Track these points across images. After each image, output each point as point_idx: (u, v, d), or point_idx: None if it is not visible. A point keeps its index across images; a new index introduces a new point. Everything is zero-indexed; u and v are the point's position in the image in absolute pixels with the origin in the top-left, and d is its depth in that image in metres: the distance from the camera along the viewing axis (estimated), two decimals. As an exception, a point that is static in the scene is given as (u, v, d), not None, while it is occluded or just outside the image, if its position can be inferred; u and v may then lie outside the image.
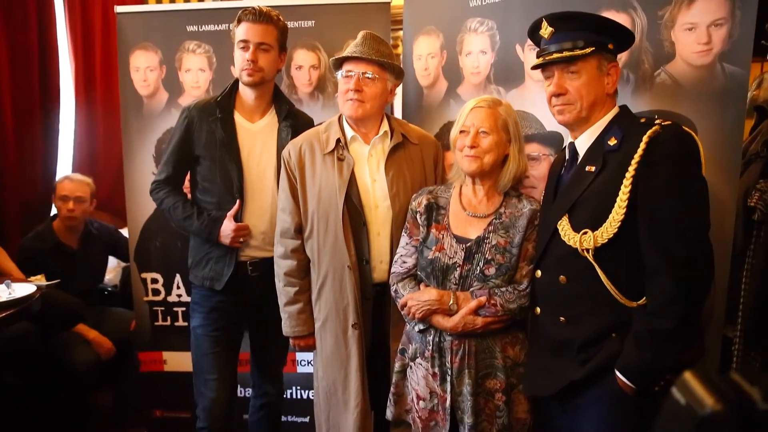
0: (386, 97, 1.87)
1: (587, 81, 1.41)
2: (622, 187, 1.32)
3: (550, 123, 1.94)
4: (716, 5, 1.61)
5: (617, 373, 1.34)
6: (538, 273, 1.53)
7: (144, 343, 2.72)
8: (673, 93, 1.70)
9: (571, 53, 1.40)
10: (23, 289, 1.90)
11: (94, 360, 2.70)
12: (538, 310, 1.54)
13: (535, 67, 1.52)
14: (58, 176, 3.05)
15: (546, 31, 1.48)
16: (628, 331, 1.34)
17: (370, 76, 1.80)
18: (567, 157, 1.53)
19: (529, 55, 1.99)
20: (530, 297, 1.58)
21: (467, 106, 1.64)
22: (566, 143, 1.59)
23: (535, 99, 1.99)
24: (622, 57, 1.71)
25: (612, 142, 1.40)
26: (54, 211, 2.94)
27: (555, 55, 1.43)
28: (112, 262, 3.23)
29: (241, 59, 1.99)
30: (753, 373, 0.58)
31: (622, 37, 1.48)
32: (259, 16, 1.96)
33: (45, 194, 3.05)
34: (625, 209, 1.32)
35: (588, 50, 1.39)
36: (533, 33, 1.56)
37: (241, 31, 1.98)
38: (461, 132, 1.63)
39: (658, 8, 1.71)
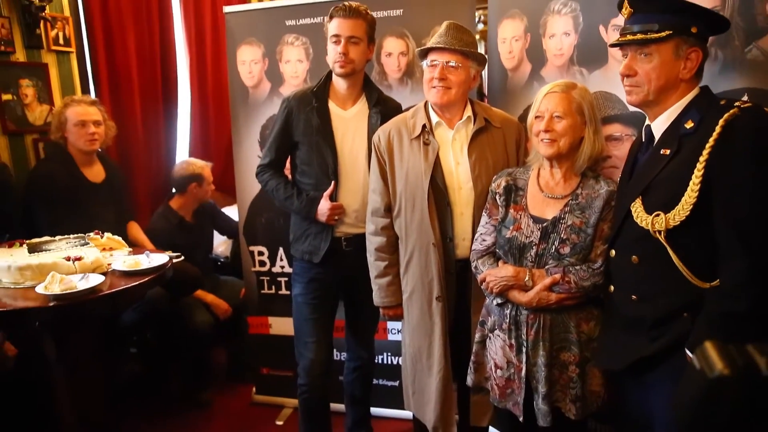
0: (469, 84, 1.96)
1: (658, 65, 1.41)
2: (695, 171, 1.33)
3: (633, 104, 1.93)
4: (815, -24, 1.53)
5: (687, 352, 1.37)
6: (613, 252, 1.58)
7: (252, 309, 3.02)
8: (765, 70, 1.65)
9: (644, 36, 1.41)
10: (159, 258, 2.24)
11: (211, 322, 3.05)
12: (612, 288, 1.59)
13: (612, 45, 1.55)
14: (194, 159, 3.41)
15: (626, 11, 1.49)
16: (700, 311, 1.36)
17: (453, 64, 1.90)
18: (643, 139, 1.56)
19: (612, 35, 1.99)
20: (605, 275, 1.64)
21: (541, 92, 1.70)
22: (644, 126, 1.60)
23: (617, 79, 1.92)
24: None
25: (689, 125, 1.40)
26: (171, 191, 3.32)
27: (629, 37, 1.44)
28: (223, 236, 3.60)
29: (333, 52, 2.15)
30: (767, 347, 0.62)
31: (709, 21, 1.45)
32: (349, 12, 2.10)
33: (167, 178, 3.45)
34: (697, 193, 1.33)
35: (663, 34, 1.39)
36: (620, 10, 1.57)
37: (334, 26, 2.13)
38: (537, 117, 1.70)
39: (752, -18, 1.65)
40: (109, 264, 2.19)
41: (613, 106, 2.02)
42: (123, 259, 2.19)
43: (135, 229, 2.99)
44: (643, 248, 1.46)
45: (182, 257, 2.54)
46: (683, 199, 1.35)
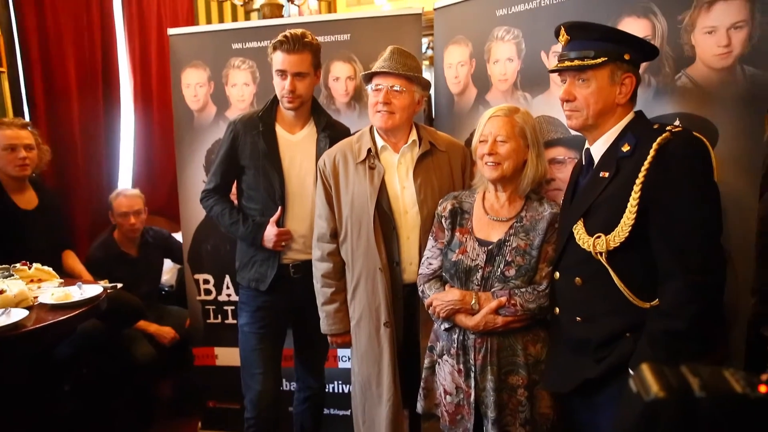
0: (414, 108, 1.97)
1: (596, 90, 1.46)
2: (632, 193, 1.36)
3: (575, 128, 1.98)
4: (736, 8, 1.61)
5: (630, 372, 1.39)
6: (557, 274, 1.59)
7: (198, 339, 2.91)
8: (694, 96, 1.72)
9: (581, 63, 1.46)
10: (92, 289, 2.11)
11: (154, 354, 2.91)
12: (558, 310, 1.60)
13: (552, 71, 1.59)
14: (119, 187, 3.30)
15: (563, 38, 1.54)
16: (642, 331, 1.38)
17: (397, 89, 1.90)
18: (583, 163, 1.59)
19: (553, 61, 2.04)
20: (550, 297, 1.65)
21: (485, 116, 1.72)
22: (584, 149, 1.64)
23: (560, 104, 2.03)
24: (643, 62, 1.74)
25: (625, 148, 1.44)
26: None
27: (566, 63, 1.49)
28: (169, 264, 3.47)
29: (280, 87, 2.11)
30: (700, 366, 0.63)
31: (640, 48, 1.51)
32: (294, 45, 2.04)
33: (108, 202, 3.31)
34: (635, 214, 1.36)
35: (599, 60, 1.44)
36: (557, 38, 1.62)
37: (278, 60, 2.08)
38: (481, 141, 1.72)
39: (677, 13, 1.72)
40: (36, 297, 2.05)
41: (556, 130, 2.07)
42: (51, 292, 2.05)
43: (71, 259, 2.83)
44: (586, 270, 1.48)
45: (119, 286, 2.40)
46: (622, 220, 1.38)
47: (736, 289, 1.62)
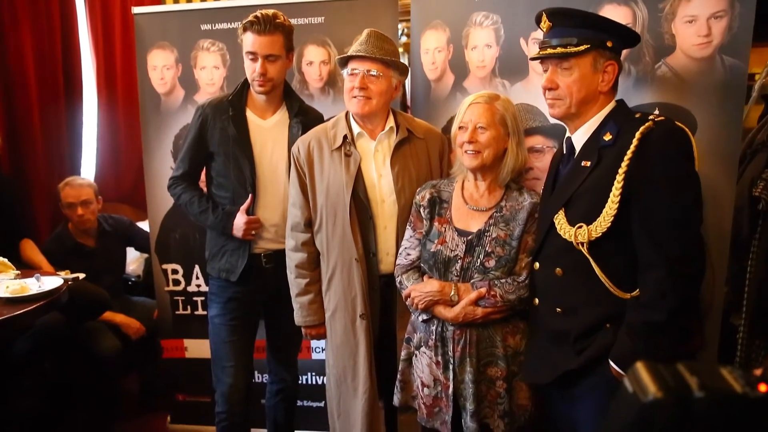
0: (391, 94, 1.91)
1: (579, 78, 1.43)
2: (615, 182, 1.35)
3: (553, 116, 1.96)
4: (716, -3, 1.61)
5: (610, 363, 1.38)
6: (536, 265, 1.58)
7: (166, 331, 2.82)
8: (673, 86, 1.71)
9: (564, 50, 1.43)
10: (51, 282, 2.01)
11: (119, 346, 2.81)
12: (537, 301, 1.59)
13: (533, 59, 1.55)
14: (81, 174, 3.15)
15: (545, 24, 1.51)
16: (622, 322, 1.38)
17: (374, 73, 1.84)
18: (564, 152, 1.56)
19: (533, 48, 2.01)
20: (529, 288, 1.63)
21: (465, 103, 1.68)
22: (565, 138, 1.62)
23: (539, 92, 1.97)
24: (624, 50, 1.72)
25: (607, 137, 1.43)
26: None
27: (549, 51, 1.46)
28: (135, 253, 3.35)
29: (250, 70, 2.02)
30: (697, 365, 0.61)
31: (622, 35, 1.49)
32: (264, 26, 1.96)
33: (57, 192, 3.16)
34: (617, 204, 1.35)
35: (581, 47, 1.41)
36: (537, 25, 1.58)
37: (248, 41, 1.99)
38: (460, 128, 1.68)
39: (658, 1, 1.71)
40: (-11, 290, 1.94)
41: (535, 118, 2.05)
42: (7, 284, 1.94)
43: (29, 248, 2.70)
44: (567, 260, 1.47)
45: (81, 276, 2.29)
46: (604, 210, 1.37)
47: (712, 278, 1.63)
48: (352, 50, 1.88)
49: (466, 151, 1.66)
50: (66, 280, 2.09)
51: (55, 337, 2.63)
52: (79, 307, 2.40)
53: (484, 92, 1.71)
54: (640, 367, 0.62)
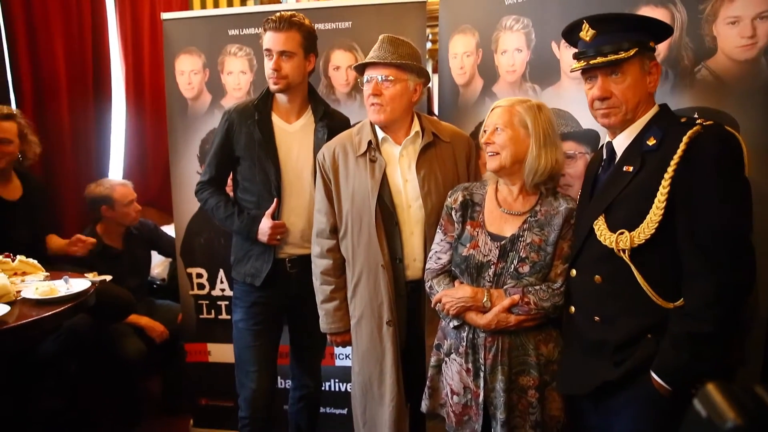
0: (409, 97, 1.87)
1: (632, 83, 1.39)
2: (660, 188, 1.30)
3: (586, 121, 1.92)
4: (761, -3, 1.56)
5: (653, 375, 1.33)
6: (573, 272, 1.53)
7: (190, 335, 2.82)
8: (714, 89, 1.66)
9: (616, 56, 1.38)
10: (80, 284, 2.01)
11: (143, 349, 2.82)
12: (573, 309, 1.54)
13: (575, 70, 1.49)
14: (109, 177, 3.19)
15: (587, 33, 1.44)
16: (664, 333, 1.33)
17: (388, 78, 1.82)
18: (604, 156, 1.52)
19: (564, 52, 1.97)
20: (565, 296, 1.58)
21: (490, 109, 1.67)
22: (602, 142, 1.57)
23: (571, 97, 1.97)
24: (661, 53, 1.68)
25: (651, 142, 1.38)
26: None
27: (599, 59, 1.39)
28: (160, 257, 3.37)
29: (267, 68, 2.04)
30: None
31: (662, 32, 1.46)
32: (280, 23, 1.98)
33: (102, 195, 3.18)
34: (663, 210, 1.30)
35: (632, 52, 1.37)
36: (569, 34, 1.54)
37: (265, 39, 2.02)
38: (483, 132, 1.66)
39: (699, 2, 1.66)
40: (19, 291, 1.94)
41: (567, 124, 2.00)
42: (36, 286, 1.94)
43: (53, 239, 2.73)
44: (606, 268, 1.42)
45: (108, 279, 2.30)
46: (648, 216, 1.32)
47: (756, 288, 1.56)
48: (367, 58, 1.86)
49: (487, 153, 1.65)
50: (93, 283, 2.09)
51: (82, 339, 2.65)
52: (104, 309, 2.41)
53: (510, 98, 1.69)
54: (713, 390, 0.57)
